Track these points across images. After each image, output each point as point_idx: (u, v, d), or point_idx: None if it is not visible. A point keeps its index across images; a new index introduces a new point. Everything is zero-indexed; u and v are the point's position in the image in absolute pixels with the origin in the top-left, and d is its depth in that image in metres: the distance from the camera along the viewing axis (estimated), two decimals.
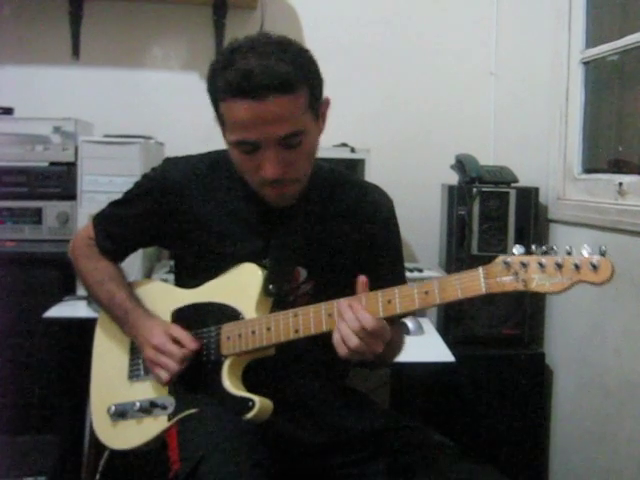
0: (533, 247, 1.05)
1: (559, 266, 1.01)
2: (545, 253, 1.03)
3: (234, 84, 1.14)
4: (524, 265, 1.03)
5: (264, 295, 1.28)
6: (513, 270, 1.04)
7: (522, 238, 2.31)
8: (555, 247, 1.03)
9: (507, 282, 1.04)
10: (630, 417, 1.92)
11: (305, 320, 1.19)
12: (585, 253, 1.01)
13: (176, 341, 1.27)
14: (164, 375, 1.26)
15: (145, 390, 1.33)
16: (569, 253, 1.02)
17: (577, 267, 1.00)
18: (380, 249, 1.39)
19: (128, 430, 1.32)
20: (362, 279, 1.17)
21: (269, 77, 1.12)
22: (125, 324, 1.36)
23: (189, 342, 1.27)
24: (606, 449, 2.04)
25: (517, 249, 1.05)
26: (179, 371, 1.26)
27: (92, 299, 1.48)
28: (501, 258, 1.05)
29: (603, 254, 1.00)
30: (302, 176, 1.27)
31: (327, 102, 1.29)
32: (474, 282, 1.06)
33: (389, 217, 1.42)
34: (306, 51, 1.23)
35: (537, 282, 1.02)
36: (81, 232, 1.52)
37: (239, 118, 1.16)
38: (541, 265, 1.02)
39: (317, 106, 1.24)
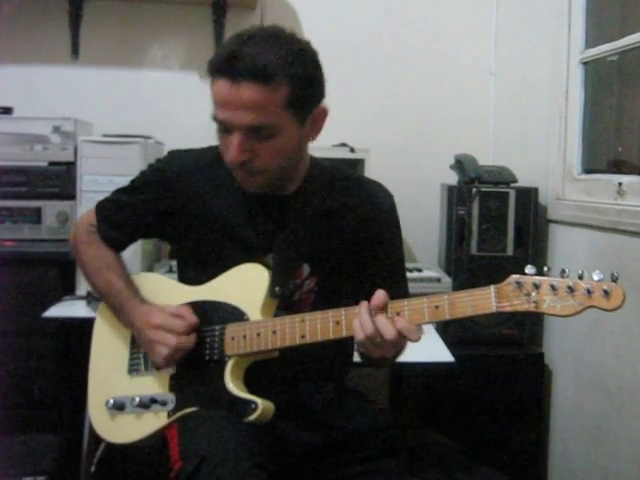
0: (545, 269, 1.04)
1: (571, 289, 1.01)
2: (556, 275, 1.02)
3: (217, 63, 1.18)
4: (536, 286, 1.03)
5: (270, 297, 1.28)
6: (525, 291, 1.03)
7: (521, 238, 2.32)
8: (567, 270, 1.02)
9: (518, 303, 1.04)
10: (629, 417, 1.92)
11: (312, 327, 1.18)
12: (596, 277, 1.00)
13: (176, 316, 1.27)
14: (163, 350, 1.24)
15: (145, 386, 1.32)
16: (581, 277, 1.01)
17: (589, 292, 1.00)
18: (380, 244, 1.39)
19: (127, 424, 1.32)
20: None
21: (248, 63, 1.14)
22: (122, 313, 1.35)
23: (190, 316, 1.26)
24: (605, 449, 2.04)
25: (529, 269, 1.04)
26: (177, 347, 1.24)
27: (90, 286, 1.47)
28: (513, 278, 1.05)
29: (615, 280, 1.00)
30: (269, 169, 1.24)
31: (323, 111, 1.26)
32: (485, 300, 1.06)
33: (389, 211, 1.41)
34: (304, 50, 1.21)
35: (548, 304, 1.02)
36: (83, 219, 1.51)
37: (216, 96, 1.20)
38: (553, 287, 1.02)
39: (304, 108, 1.22)
